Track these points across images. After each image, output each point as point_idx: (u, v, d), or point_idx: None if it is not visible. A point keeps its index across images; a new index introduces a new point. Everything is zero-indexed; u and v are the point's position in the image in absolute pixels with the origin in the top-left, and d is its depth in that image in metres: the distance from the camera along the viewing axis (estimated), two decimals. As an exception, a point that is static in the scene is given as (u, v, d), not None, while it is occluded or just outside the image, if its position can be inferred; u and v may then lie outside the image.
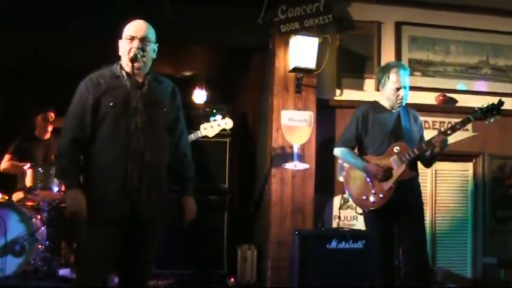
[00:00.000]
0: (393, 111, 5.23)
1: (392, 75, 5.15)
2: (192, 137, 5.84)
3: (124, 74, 3.84)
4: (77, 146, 3.75)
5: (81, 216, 3.61)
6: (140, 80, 3.83)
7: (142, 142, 3.68)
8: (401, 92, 5.13)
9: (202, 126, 6.00)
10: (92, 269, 3.66)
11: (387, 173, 5.08)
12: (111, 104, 3.72)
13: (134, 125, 3.68)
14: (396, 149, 5.08)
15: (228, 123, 6.11)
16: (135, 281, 3.82)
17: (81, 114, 3.75)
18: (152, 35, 3.91)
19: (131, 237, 3.70)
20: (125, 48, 3.82)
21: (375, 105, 5.33)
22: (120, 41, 3.89)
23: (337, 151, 5.45)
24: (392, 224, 5.14)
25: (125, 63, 3.84)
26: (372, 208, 5.14)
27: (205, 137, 6.03)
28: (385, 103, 5.26)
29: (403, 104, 5.20)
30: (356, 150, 5.37)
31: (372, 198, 5.15)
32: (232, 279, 6.90)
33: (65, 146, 3.76)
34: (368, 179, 5.15)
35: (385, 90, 5.22)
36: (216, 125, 6.03)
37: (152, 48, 3.91)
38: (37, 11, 6.40)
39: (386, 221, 5.13)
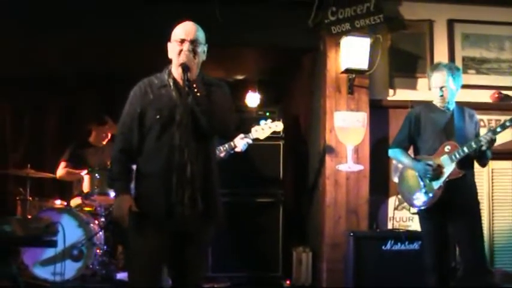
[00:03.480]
0: (446, 110, 5.21)
1: (434, 75, 5.21)
2: (247, 140, 5.86)
3: (171, 82, 3.80)
4: (126, 156, 3.79)
5: (122, 221, 3.66)
6: (189, 87, 3.74)
7: (186, 155, 3.65)
8: (442, 92, 5.11)
9: (253, 129, 6.01)
10: (141, 276, 3.69)
11: (436, 171, 5.06)
12: (157, 117, 3.71)
13: (178, 138, 3.66)
14: (447, 148, 5.07)
15: (278, 126, 6.10)
16: (187, 285, 3.83)
17: (129, 125, 3.78)
18: (202, 36, 3.86)
19: (179, 244, 3.72)
20: (175, 50, 3.78)
21: (429, 106, 5.35)
22: (169, 43, 3.87)
23: (391, 152, 5.53)
24: (446, 224, 5.11)
25: (175, 66, 3.81)
26: (422, 208, 5.17)
27: (257, 139, 6.04)
28: (437, 103, 5.25)
29: (449, 103, 5.19)
30: (411, 151, 5.37)
31: (422, 198, 5.16)
32: (287, 282, 6.90)
33: (115, 156, 3.83)
34: (419, 179, 5.15)
35: (432, 90, 5.27)
36: (267, 128, 6.03)
37: (202, 50, 3.85)
38: (89, 18, 6.50)
39: (439, 221, 5.11)
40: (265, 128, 6.02)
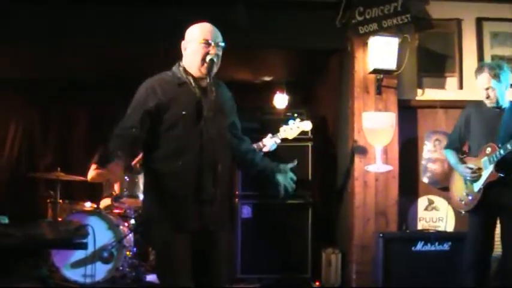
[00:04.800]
0: (497, 109, 5.21)
1: (478, 77, 5.22)
2: (275, 140, 5.86)
3: (191, 79, 3.77)
4: (124, 139, 3.72)
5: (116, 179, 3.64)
6: (204, 85, 3.76)
7: (215, 152, 3.67)
8: (487, 93, 5.09)
9: (281, 129, 6.00)
10: (173, 277, 3.68)
11: (475, 174, 5.07)
12: (183, 113, 3.67)
13: (207, 134, 3.65)
14: (488, 149, 5.09)
15: (307, 125, 6.08)
16: (212, 285, 3.82)
17: (138, 121, 3.69)
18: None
19: (200, 244, 3.71)
20: (199, 52, 3.73)
21: (479, 105, 5.35)
22: (187, 42, 3.82)
23: (444, 152, 5.64)
24: (491, 224, 5.14)
25: (195, 66, 3.76)
26: (463, 210, 5.22)
27: (285, 139, 6.03)
28: (486, 102, 5.25)
29: (499, 102, 5.17)
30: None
31: (465, 200, 5.19)
32: (317, 283, 6.89)
33: (112, 137, 3.73)
34: (463, 181, 5.20)
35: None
36: (296, 127, 6.01)
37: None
38: (114, 23, 6.58)
39: (483, 222, 5.15)
40: (294, 128, 6.00)
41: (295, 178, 4.04)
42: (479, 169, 5.10)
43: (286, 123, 6.05)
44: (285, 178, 3.99)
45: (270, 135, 5.86)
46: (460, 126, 5.44)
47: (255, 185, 6.90)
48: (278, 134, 5.95)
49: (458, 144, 5.47)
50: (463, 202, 5.27)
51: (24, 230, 3.74)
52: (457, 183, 5.37)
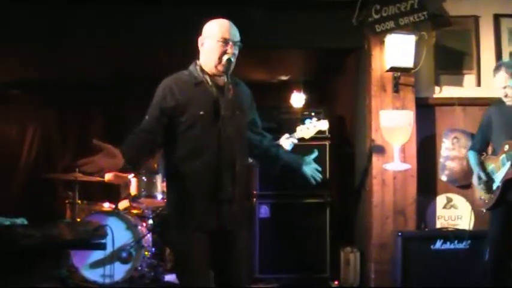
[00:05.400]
0: None
1: (496, 76, 5.23)
2: (292, 140, 5.83)
3: (207, 78, 3.76)
4: (141, 138, 3.68)
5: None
6: (221, 84, 3.76)
7: (233, 151, 3.65)
8: (505, 92, 5.08)
9: (298, 129, 5.97)
10: (192, 277, 3.67)
11: (487, 184, 5.20)
12: (201, 113, 3.66)
13: (225, 133, 3.64)
14: (506, 147, 5.09)
15: (323, 125, 6.04)
16: (233, 284, 3.81)
17: (155, 125, 3.69)
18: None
19: (223, 244, 3.72)
20: (216, 50, 3.72)
21: (499, 104, 5.34)
22: (205, 38, 3.81)
23: (468, 154, 5.65)
24: (510, 223, 5.10)
25: (211, 64, 3.75)
26: (483, 208, 5.23)
27: (302, 139, 6.01)
28: (506, 100, 5.25)
29: None
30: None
31: (485, 198, 5.20)
32: (335, 283, 6.87)
33: (128, 136, 3.69)
34: None
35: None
36: (312, 127, 5.97)
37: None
38: (128, 22, 6.60)
39: (502, 221, 5.13)
40: (310, 127, 5.96)
41: (320, 168, 4.07)
42: (490, 180, 5.18)
43: (303, 123, 6.03)
44: (311, 169, 4.05)
45: (286, 135, 5.83)
46: (482, 127, 5.45)
47: (273, 184, 6.92)
48: (295, 134, 5.92)
49: (482, 145, 5.48)
50: (483, 200, 5.28)
51: (43, 230, 3.75)
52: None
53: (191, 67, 3.86)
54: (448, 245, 6.04)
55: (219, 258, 3.74)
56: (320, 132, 6.06)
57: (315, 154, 4.11)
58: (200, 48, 3.85)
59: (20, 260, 3.79)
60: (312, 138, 5.87)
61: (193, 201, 3.67)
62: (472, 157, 5.47)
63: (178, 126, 3.69)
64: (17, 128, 9.56)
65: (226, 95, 3.67)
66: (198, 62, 3.85)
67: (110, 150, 3.44)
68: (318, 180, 4.08)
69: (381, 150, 6.56)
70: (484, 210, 5.32)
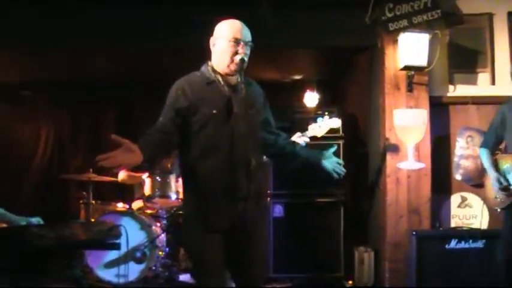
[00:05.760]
0: None
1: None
2: (304, 139, 5.82)
3: (219, 78, 3.76)
4: (156, 138, 3.66)
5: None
6: (233, 83, 3.76)
7: (247, 149, 3.65)
8: None
9: (310, 127, 5.95)
10: (209, 277, 3.67)
11: (506, 190, 5.12)
12: (214, 112, 3.65)
13: (238, 131, 3.64)
14: None
15: (335, 123, 6.00)
16: (250, 283, 3.80)
17: (170, 126, 3.68)
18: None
19: (239, 242, 3.71)
20: (228, 50, 3.72)
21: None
22: (216, 38, 3.81)
23: (479, 151, 5.63)
24: None
25: (223, 64, 3.75)
26: (498, 207, 5.21)
27: (315, 138, 5.99)
28: None
29: None
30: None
31: (500, 197, 5.17)
32: (350, 282, 6.86)
33: (143, 136, 3.67)
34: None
35: None
36: (324, 125, 5.95)
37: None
38: (140, 23, 6.61)
39: None
40: (322, 125, 5.93)
41: (341, 161, 4.04)
42: (508, 186, 5.14)
43: (315, 122, 6.01)
44: (331, 163, 4.01)
45: (298, 133, 5.82)
46: (495, 125, 5.41)
47: (286, 184, 6.92)
48: (306, 132, 5.90)
49: (494, 143, 5.45)
50: (498, 199, 5.25)
51: (58, 231, 3.76)
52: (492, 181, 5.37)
53: (203, 68, 3.86)
54: (462, 244, 6.01)
55: (235, 257, 3.73)
56: (333, 131, 6.05)
57: (334, 148, 4.08)
58: (212, 48, 3.84)
59: (34, 260, 3.81)
60: (325, 137, 5.85)
61: (208, 201, 3.67)
62: (486, 156, 5.43)
63: (192, 126, 3.68)
64: (30, 129, 9.61)
65: (238, 93, 3.68)
66: (209, 62, 3.84)
67: (128, 146, 3.44)
68: (341, 173, 4.04)
69: (394, 149, 6.54)
70: (499, 210, 5.30)
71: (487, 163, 5.40)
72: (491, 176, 5.32)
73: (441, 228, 6.52)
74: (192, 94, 3.70)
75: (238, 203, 3.63)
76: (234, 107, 3.66)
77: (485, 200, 5.99)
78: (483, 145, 5.55)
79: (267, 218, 6.89)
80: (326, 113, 6.66)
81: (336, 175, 4.03)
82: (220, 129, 3.66)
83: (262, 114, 3.95)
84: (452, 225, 6.66)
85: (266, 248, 6.40)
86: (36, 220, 4.59)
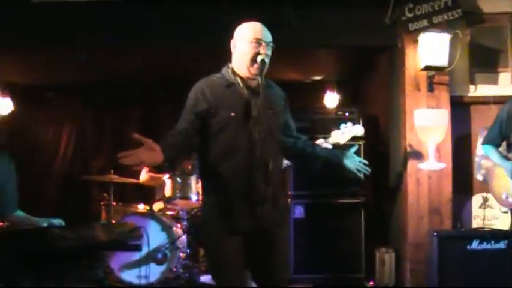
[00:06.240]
0: None
1: None
2: (326, 145, 5.79)
3: (239, 80, 3.75)
4: (177, 140, 3.66)
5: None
6: (253, 86, 3.74)
7: (265, 152, 3.62)
8: None
9: (332, 133, 5.92)
10: (228, 279, 3.66)
11: None
12: (232, 114, 3.65)
13: (256, 134, 3.61)
14: None
15: (358, 130, 5.95)
16: (273, 284, 3.78)
17: (190, 128, 3.68)
18: None
19: (257, 244, 3.69)
20: (249, 51, 3.70)
21: None
22: (237, 41, 3.80)
23: (482, 148, 5.59)
24: None
25: (244, 66, 3.73)
26: (509, 207, 5.14)
27: (336, 144, 5.96)
28: None
29: None
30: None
31: (511, 197, 5.10)
32: (371, 283, 6.84)
33: (165, 137, 3.68)
34: (509, 178, 5.11)
35: None
36: (347, 132, 5.92)
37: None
38: (164, 23, 6.66)
39: None
40: (345, 132, 5.89)
41: (364, 161, 4.02)
42: None
43: (338, 128, 5.97)
44: (353, 162, 3.97)
45: (321, 140, 5.79)
46: (501, 122, 5.33)
47: (307, 185, 6.92)
48: (329, 139, 5.87)
49: (499, 140, 5.38)
50: (510, 200, 5.18)
51: (79, 232, 3.79)
52: (501, 180, 5.28)
53: (223, 70, 3.86)
54: (484, 245, 5.96)
55: (257, 259, 3.72)
56: (355, 136, 6.00)
57: (355, 147, 4.06)
58: (232, 50, 3.84)
59: (56, 261, 3.84)
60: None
61: (226, 203, 3.66)
62: (493, 151, 5.36)
63: (211, 128, 3.68)
64: (52, 130, 9.67)
65: (258, 96, 3.67)
66: (230, 64, 3.84)
67: (150, 145, 3.47)
68: (366, 173, 4.01)
69: (415, 149, 6.51)
70: (509, 212, 5.26)
71: (496, 157, 5.32)
72: (506, 166, 5.22)
73: (463, 229, 6.49)
74: (211, 96, 3.70)
75: (256, 206, 3.61)
76: (253, 111, 3.64)
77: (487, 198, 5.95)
78: (487, 142, 5.46)
79: (288, 219, 6.90)
80: (346, 114, 6.63)
81: (359, 174, 3.99)
82: (239, 132, 3.65)
83: (282, 117, 3.93)
84: (474, 225, 6.64)
85: (288, 249, 6.40)
86: (57, 221, 4.63)
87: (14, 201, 4.90)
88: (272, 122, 3.74)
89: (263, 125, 3.64)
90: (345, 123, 5.72)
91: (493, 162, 5.43)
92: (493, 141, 5.41)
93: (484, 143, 5.51)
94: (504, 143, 5.46)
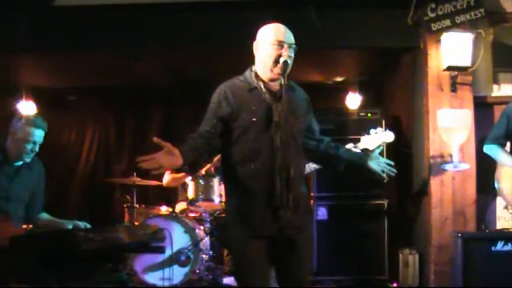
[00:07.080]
0: None
1: None
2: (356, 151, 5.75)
3: (261, 85, 3.73)
4: (199, 143, 3.66)
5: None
6: (275, 90, 3.73)
7: (287, 156, 3.59)
8: None
9: (362, 138, 5.86)
10: (251, 281, 3.65)
11: None
12: (253, 119, 3.63)
13: (278, 139, 3.58)
14: None
15: (389, 137, 5.85)
16: (296, 285, 3.76)
17: (213, 132, 3.69)
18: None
19: (280, 248, 3.68)
20: (272, 53, 3.68)
21: None
22: (259, 43, 3.79)
23: (486, 148, 5.56)
24: None
25: (267, 68, 3.72)
26: None
27: (366, 150, 5.90)
28: None
29: None
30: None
31: None
32: (394, 285, 6.82)
33: (186, 140, 3.68)
34: None
35: None
36: (377, 137, 5.85)
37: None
38: (185, 26, 6.70)
39: None
40: (375, 138, 5.80)
41: (390, 161, 3.98)
42: None
43: (364, 130, 5.90)
44: (378, 163, 3.94)
45: (351, 144, 5.73)
46: (506, 122, 5.29)
47: (331, 187, 6.91)
48: (358, 144, 5.82)
49: (504, 140, 5.34)
50: None
51: (104, 234, 3.81)
52: (510, 179, 5.23)
53: (246, 73, 3.85)
54: (509, 247, 5.90)
55: (280, 263, 3.72)
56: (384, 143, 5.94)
57: (380, 149, 4.05)
58: (255, 53, 3.83)
59: (81, 263, 3.86)
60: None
61: (248, 207, 3.66)
62: (500, 150, 5.32)
63: (233, 132, 3.69)
64: (75, 133, 9.75)
65: (280, 100, 3.64)
66: (253, 67, 3.83)
67: (170, 149, 3.48)
68: (391, 174, 3.97)
69: (439, 150, 6.48)
70: None
71: (503, 156, 5.27)
72: None
73: (487, 230, 6.43)
74: (234, 100, 3.70)
75: (277, 211, 3.59)
76: (274, 115, 3.62)
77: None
78: (492, 141, 5.41)
79: (312, 222, 6.89)
80: (369, 115, 6.59)
81: (385, 176, 3.96)
82: (260, 136, 3.65)
83: (306, 121, 3.91)
84: (498, 227, 6.57)
85: (311, 252, 6.38)
86: (82, 224, 4.67)
87: (41, 205, 4.97)
88: (294, 127, 3.73)
89: (285, 130, 3.61)
90: (374, 127, 5.65)
91: (500, 162, 5.37)
92: (497, 140, 5.36)
93: (488, 142, 5.44)
94: (508, 144, 5.44)
